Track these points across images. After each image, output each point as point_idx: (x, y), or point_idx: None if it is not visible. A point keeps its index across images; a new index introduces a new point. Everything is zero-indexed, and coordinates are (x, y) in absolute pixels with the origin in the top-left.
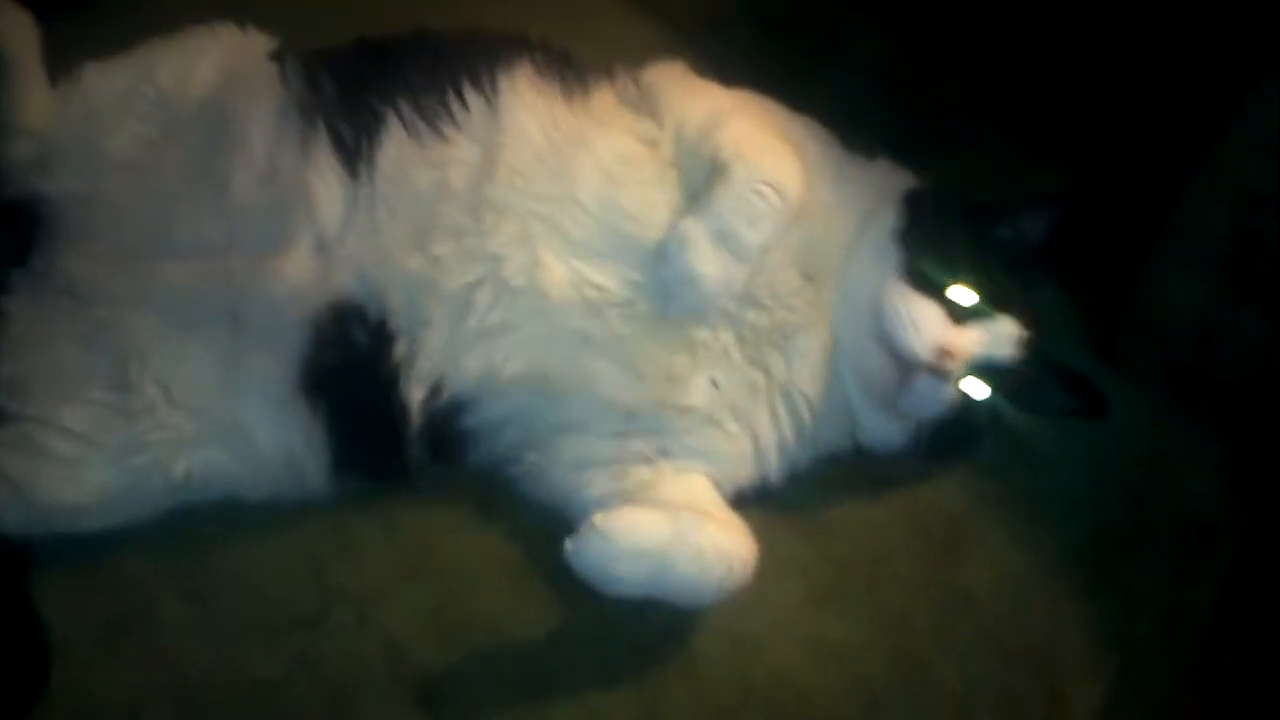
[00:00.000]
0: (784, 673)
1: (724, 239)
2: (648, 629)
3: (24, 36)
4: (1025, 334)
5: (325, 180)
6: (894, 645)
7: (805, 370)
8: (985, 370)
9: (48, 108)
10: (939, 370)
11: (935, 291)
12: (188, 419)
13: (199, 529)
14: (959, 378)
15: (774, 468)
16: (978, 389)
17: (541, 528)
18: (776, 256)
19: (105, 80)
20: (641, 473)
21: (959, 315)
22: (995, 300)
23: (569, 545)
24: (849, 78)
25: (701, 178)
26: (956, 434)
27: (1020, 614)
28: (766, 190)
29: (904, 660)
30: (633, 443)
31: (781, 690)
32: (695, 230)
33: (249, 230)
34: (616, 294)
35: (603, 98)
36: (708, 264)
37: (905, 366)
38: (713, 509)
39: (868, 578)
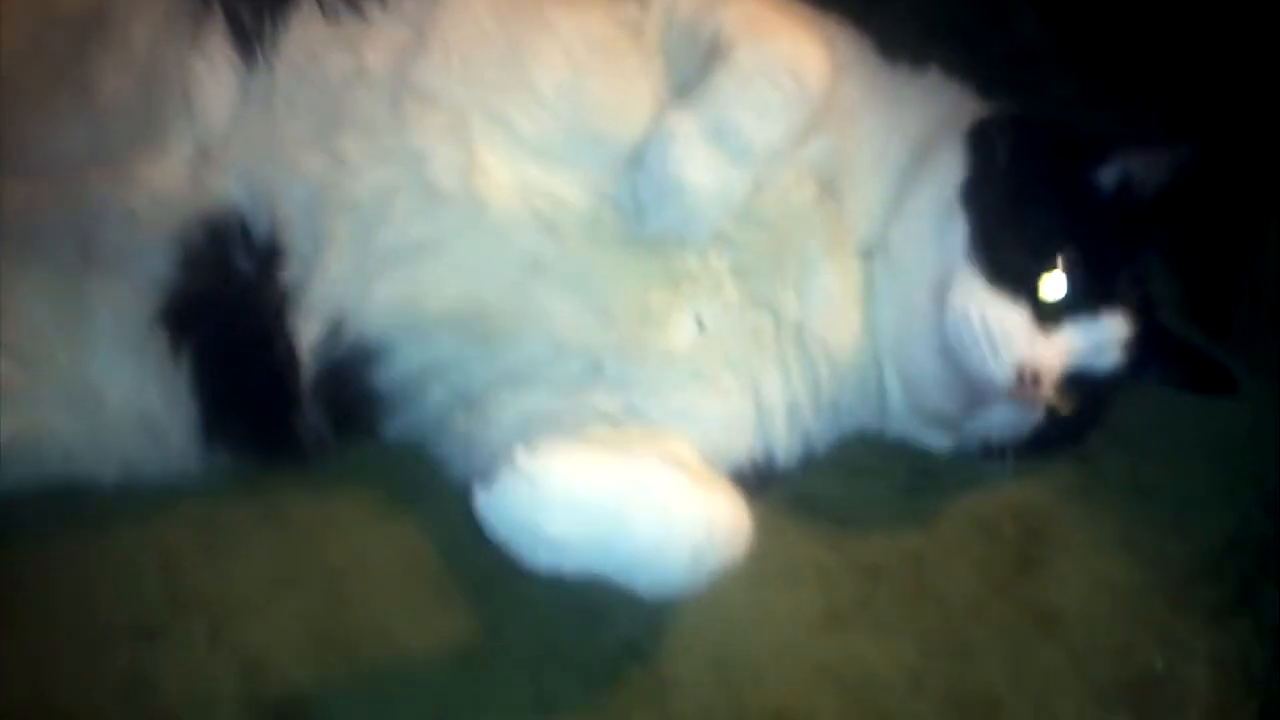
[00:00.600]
0: (792, 710)
1: (722, 136)
2: (600, 645)
3: None
4: (1132, 329)
5: (214, 71)
6: (947, 678)
7: (826, 314)
8: (1080, 381)
9: None
10: (1023, 399)
11: (1019, 285)
12: (15, 368)
13: (27, 518)
14: (1047, 401)
15: (782, 441)
16: (1067, 403)
17: (467, 519)
18: (790, 167)
19: None
20: (603, 436)
21: (1050, 316)
22: (1099, 288)
23: (480, 493)
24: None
25: (696, 68)
26: (1033, 446)
27: (1120, 641)
28: (780, 75)
29: (961, 699)
30: (593, 396)
31: None
32: (685, 124)
33: (114, 136)
34: (576, 206)
35: None
36: (699, 168)
37: (978, 392)
38: (690, 465)
39: (911, 591)
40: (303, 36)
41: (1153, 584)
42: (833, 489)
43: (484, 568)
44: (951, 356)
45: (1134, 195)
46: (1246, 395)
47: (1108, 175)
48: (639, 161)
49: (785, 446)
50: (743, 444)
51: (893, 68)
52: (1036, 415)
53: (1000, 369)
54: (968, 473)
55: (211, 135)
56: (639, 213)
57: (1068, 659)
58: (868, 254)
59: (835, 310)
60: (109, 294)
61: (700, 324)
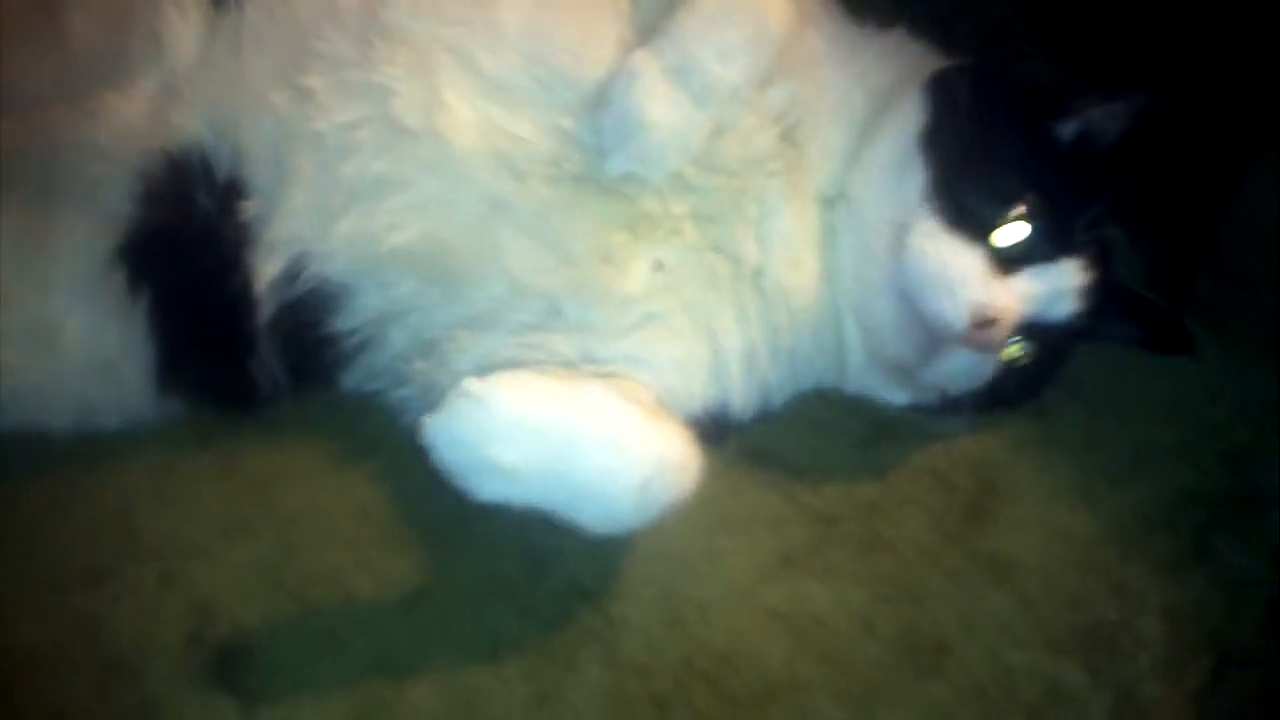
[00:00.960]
0: (742, 652)
1: (684, 75)
2: (548, 586)
3: None
4: (1089, 278)
5: (182, 9)
6: (899, 621)
7: (784, 259)
8: (1036, 329)
9: None
10: (979, 342)
11: (977, 230)
12: None
13: None
14: (1005, 345)
15: (738, 389)
16: (1022, 350)
17: (421, 470)
18: (751, 112)
19: None
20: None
21: (1007, 260)
22: (1056, 236)
23: (428, 420)
24: None
25: (660, 12)
26: (989, 397)
27: (1073, 591)
28: (742, 16)
29: (913, 642)
30: (551, 340)
31: (737, 676)
32: (648, 63)
33: (82, 76)
34: (538, 146)
35: None
36: (660, 105)
37: (934, 336)
38: (644, 403)
39: (864, 537)
40: None
41: (1106, 535)
42: (789, 442)
43: (434, 515)
44: (908, 300)
45: (1093, 145)
46: (1205, 355)
47: (1067, 126)
48: (602, 100)
49: (741, 395)
50: (699, 390)
51: (858, 25)
52: (993, 363)
53: (956, 311)
54: (925, 427)
55: (178, 72)
56: (601, 151)
57: (1019, 607)
58: (828, 202)
59: (794, 256)
60: (69, 229)
61: (658, 265)
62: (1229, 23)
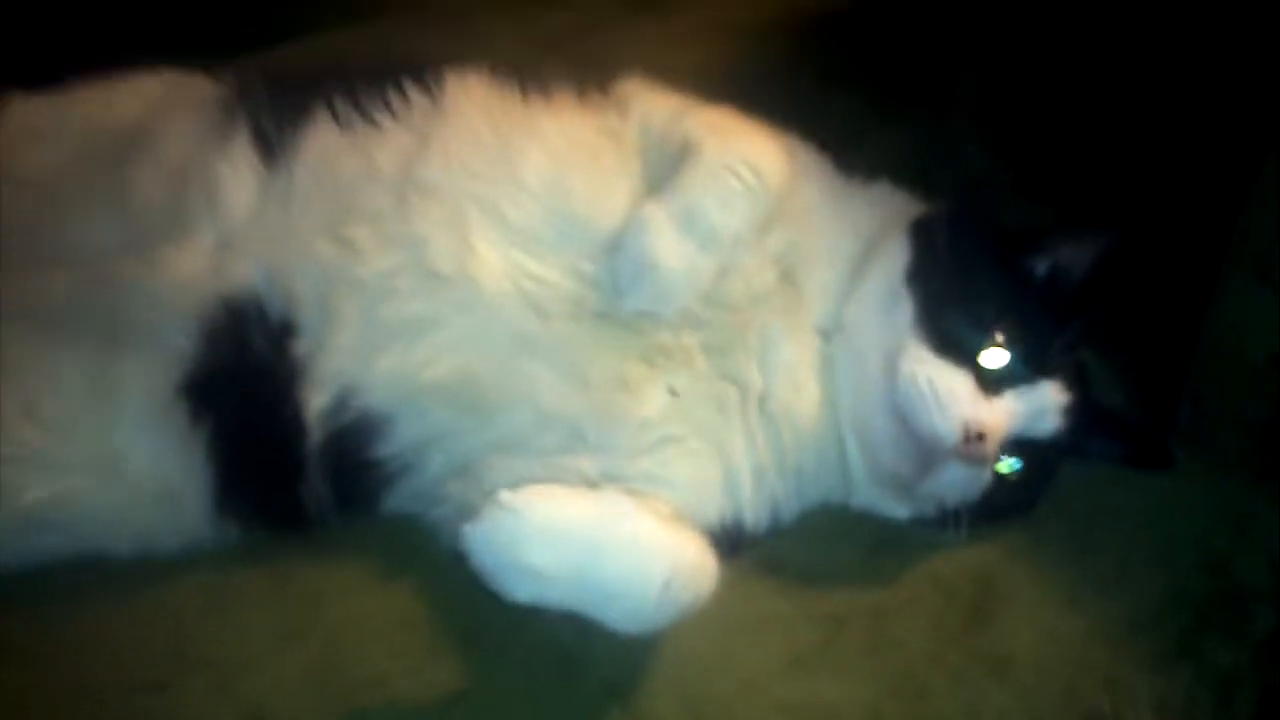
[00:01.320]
0: None
1: (690, 222)
2: (581, 687)
3: None
4: (1069, 399)
5: (237, 171)
6: (906, 714)
7: (786, 385)
8: (1023, 445)
9: None
10: (970, 455)
11: (963, 355)
12: (45, 436)
13: (50, 587)
14: (994, 459)
15: (750, 505)
16: (1010, 464)
17: (460, 582)
18: (752, 255)
19: (31, 113)
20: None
21: (991, 382)
22: (1035, 359)
23: (467, 529)
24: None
25: (668, 168)
26: (984, 511)
27: (1068, 684)
28: (742, 170)
29: None
30: (576, 461)
31: None
32: (658, 213)
33: (144, 231)
34: (560, 287)
35: (564, 99)
36: (670, 249)
37: (928, 451)
38: (662, 515)
39: (869, 637)
40: (319, 143)
41: (1096, 633)
42: (798, 552)
43: (472, 624)
44: (903, 419)
45: (1064, 280)
46: (1183, 470)
47: (1040, 263)
48: (617, 246)
49: (753, 510)
50: (713, 506)
51: (846, 177)
52: (985, 477)
53: (948, 427)
54: (926, 539)
55: (233, 227)
56: (616, 291)
57: (1017, 700)
58: (825, 335)
59: (795, 382)
60: (135, 370)
61: (672, 392)
62: (1192, 162)
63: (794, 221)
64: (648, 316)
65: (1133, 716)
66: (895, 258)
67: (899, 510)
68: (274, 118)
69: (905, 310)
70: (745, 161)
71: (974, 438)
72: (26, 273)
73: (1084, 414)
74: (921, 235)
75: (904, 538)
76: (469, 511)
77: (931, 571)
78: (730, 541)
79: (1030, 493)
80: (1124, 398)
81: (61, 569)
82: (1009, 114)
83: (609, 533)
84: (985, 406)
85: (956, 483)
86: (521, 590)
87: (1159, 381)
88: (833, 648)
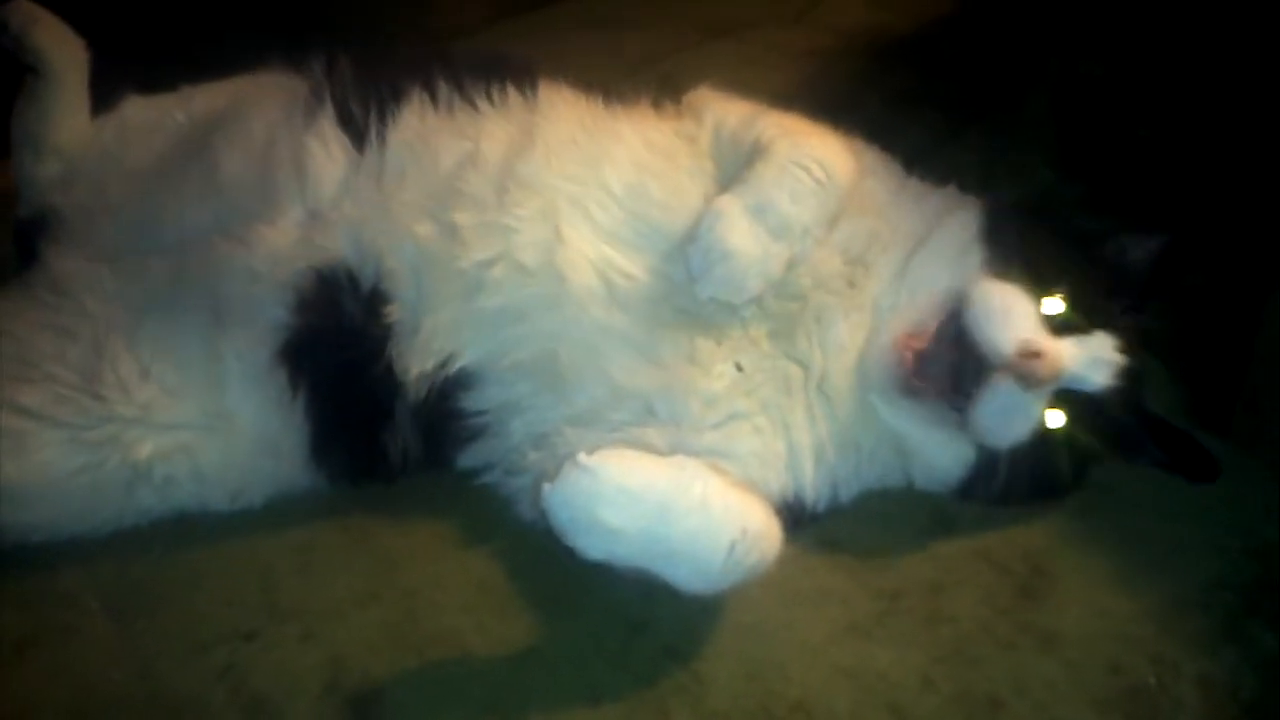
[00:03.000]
0: (813, 703)
1: (763, 214)
2: (644, 648)
3: (74, 60)
4: (1124, 360)
5: (326, 148)
6: (956, 680)
7: (842, 365)
8: (1073, 399)
9: (84, 133)
10: (1023, 373)
11: (1030, 296)
12: (162, 396)
13: (150, 546)
14: (1044, 397)
15: (810, 481)
16: (1057, 419)
17: (534, 546)
18: (822, 248)
19: (143, 111)
20: None
21: (1052, 325)
22: (1091, 311)
23: (547, 487)
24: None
25: (740, 169)
26: (1033, 474)
27: (1115, 658)
28: (812, 166)
29: (968, 697)
30: (646, 434)
31: None
32: (731, 205)
33: (235, 207)
34: (640, 281)
35: (641, 108)
36: (743, 238)
37: (981, 360)
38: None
39: (923, 609)
40: (415, 123)
41: (1144, 612)
42: (856, 531)
43: (543, 588)
44: (967, 324)
45: (1127, 267)
46: (1238, 469)
47: (1105, 249)
48: (692, 237)
49: (813, 487)
50: (776, 482)
51: (914, 178)
52: (1033, 415)
53: (1007, 337)
54: (983, 519)
55: (321, 201)
56: (691, 279)
57: (1065, 671)
58: (879, 312)
59: (849, 359)
60: (237, 340)
61: (739, 368)
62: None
63: (860, 213)
64: (721, 303)
65: (1177, 692)
66: (967, 224)
67: (952, 467)
68: (362, 97)
69: (975, 260)
70: (815, 158)
71: (1030, 354)
72: (134, 259)
73: (1136, 395)
74: (993, 210)
75: (958, 518)
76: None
77: (985, 551)
78: (792, 516)
79: (1068, 471)
80: (1181, 400)
81: (161, 526)
82: (1077, 130)
83: (680, 494)
84: (1045, 335)
85: (1007, 413)
86: (594, 547)
87: (1215, 384)
88: (888, 619)
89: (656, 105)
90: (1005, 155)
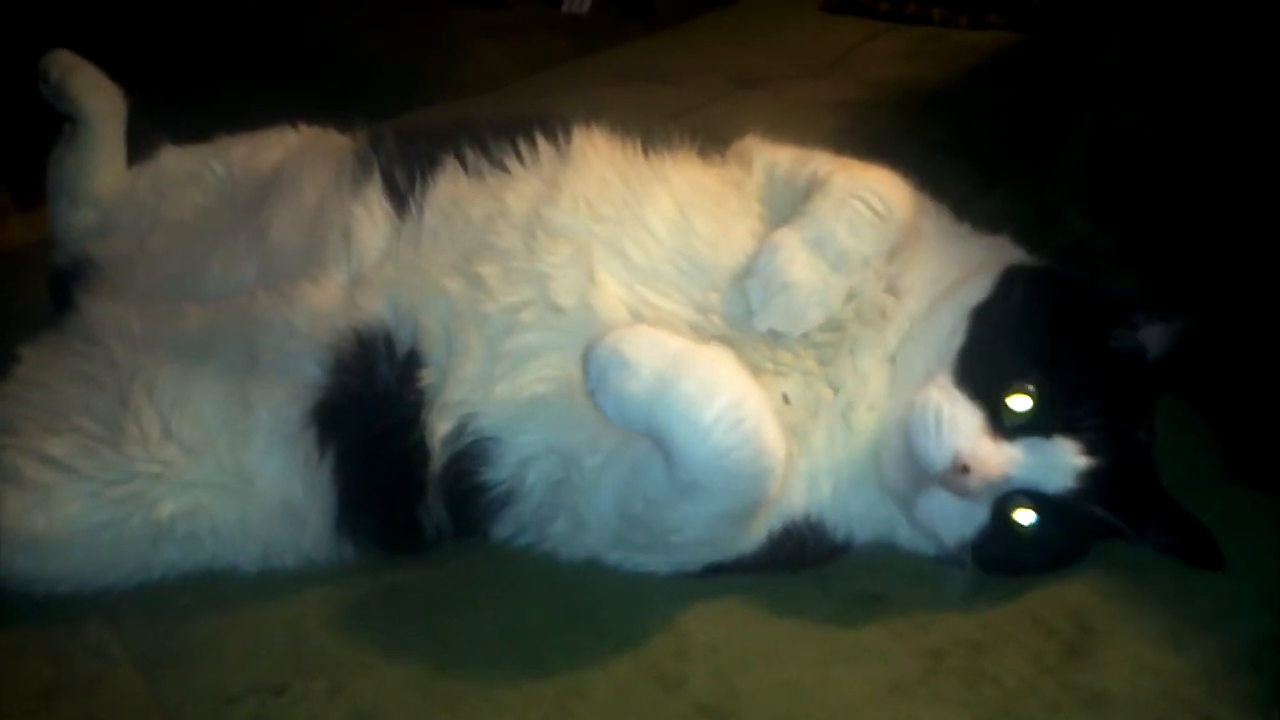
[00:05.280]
0: None
1: (820, 246)
2: (677, 707)
3: (112, 109)
4: (1091, 464)
5: (371, 215)
6: None
7: (863, 394)
8: (1035, 498)
9: (120, 182)
10: (954, 487)
11: (985, 395)
12: (182, 455)
13: (177, 598)
14: (982, 498)
15: (829, 505)
16: (1027, 517)
17: (567, 598)
18: (874, 281)
19: (179, 161)
20: None
21: (1007, 428)
22: (1060, 418)
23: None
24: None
25: (793, 209)
26: (989, 558)
27: (1165, 718)
28: (871, 199)
29: None
30: None
31: None
32: (790, 237)
33: (280, 266)
34: (678, 315)
35: (686, 155)
36: (802, 270)
37: (919, 470)
38: None
39: (967, 669)
40: (449, 189)
41: (1194, 672)
42: (897, 587)
43: (576, 641)
44: (905, 436)
45: (1142, 357)
46: None
47: (1121, 334)
48: (750, 271)
49: (832, 513)
50: (798, 500)
51: (968, 225)
52: (978, 515)
53: (938, 454)
54: (1022, 580)
55: (365, 265)
56: (749, 311)
57: None
58: (894, 361)
59: (867, 393)
60: (268, 395)
61: (786, 400)
62: None
63: (910, 248)
64: (778, 335)
65: None
66: (974, 293)
67: (922, 543)
68: (405, 166)
69: (958, 342)
70: (874, 191)
71: (959, 469)
72: (164, 306)
73: (1120, 486)
74: (1007, 280)
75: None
76: (581, 523)
77: (1029, 609)
78: (816, 540)
79: (1049, 551)
80: (1224, 456)
81: (189, 580)
82: (1111, 183)
83: (696, 356)
84: (985, 445)
85: (947, 513)
86: (613, 390)
87: (1260, 440)
88: (931, 678)
89: (702, 153)
90: (1039, 206)
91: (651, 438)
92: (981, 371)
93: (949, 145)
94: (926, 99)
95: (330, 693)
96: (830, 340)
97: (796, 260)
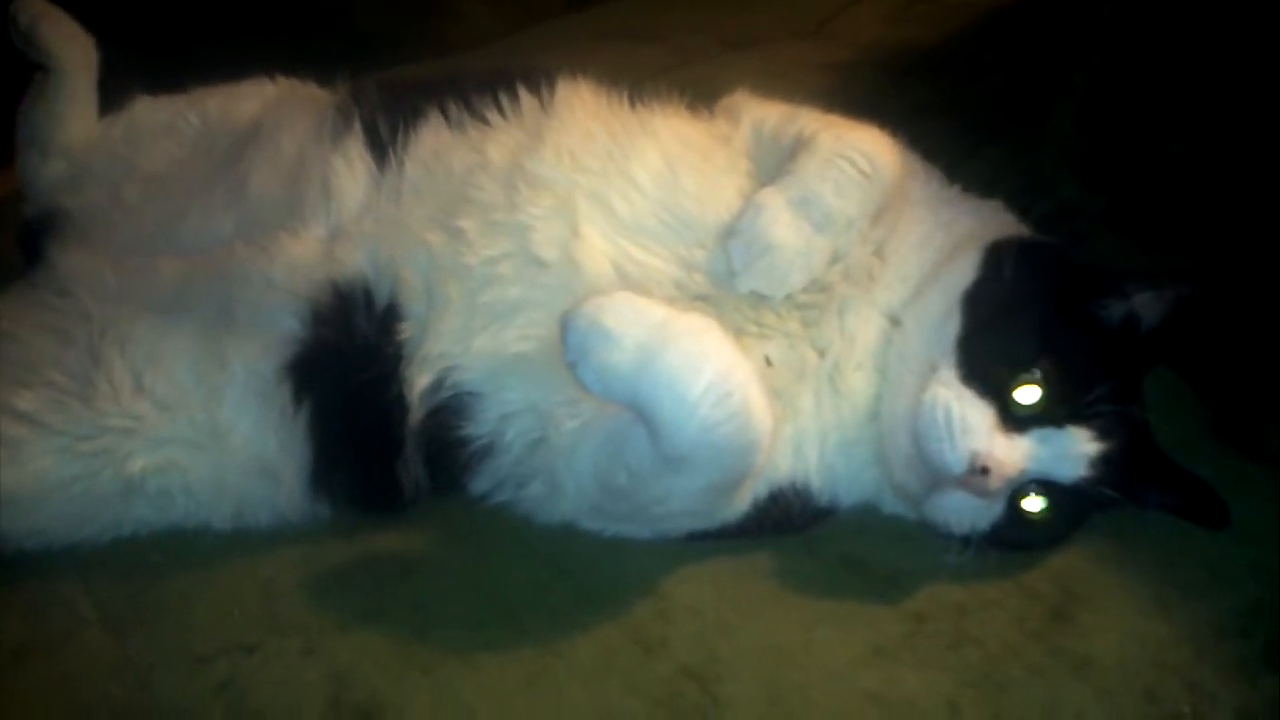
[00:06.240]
0: None
1: (806, 206)
2: (659, 668)
3: (84, 58)
4: (1103, 449)
5: (351, 167)
6: (985, 706)
7: (848, 358)
8: (1046, 486)
9: (92, 132)
10: (973, 488)
11: (992, 387)
12: (154, 410)
13: (149, 556)
14: (1000, 495)
15: (815, 468)
16: (1035, 504)
17: (546, 562)
18: (862, 243)
19: (153, 112)
20: None
21: (1017, 420)
22: (1069, 404)
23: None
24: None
25: (780, 166)
26: (999, 542)
27: (1150, 685)
28: (858, 158)
29: None
30: None
31: None
32: (774, 198)
33: (258, 218)
34: (663, 272)
35: (674, 108)
36: (786, 231)
37: (935, 475)
38: None
39: (951, 632)
40: (431, 141)
41: (1180, 638)
42: (881, 550)
43: (555, 604)
44: (916, 440)
45: (1136, 327)
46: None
47: (1113, 306)
48: (732, 231)
49: (818, 477)
50: (784, 464)
51: (959, 189)
52: (994, 510)
53: (955, 457)
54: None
55: (345, 217)
56: (731, 272)
57: (1098, 699)
58: (892, 321)
59: (855, 357)
60: (242, 349)
61: (768, 362)
62: None
63: (896, 209)
64: (760, 296)
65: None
66: (962, 274)
67: (908, 511)
68: (386, 118)
69: (953, 330)
70: (861, 151)
71: (978, 471)
72: (138, 258)
73: (1127, 464)
74: (993, 258)
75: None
76: (557, 488)
77: (1014, 574)
78: (801, 504)
79: (1054, 531)
80: (1212, 422)
81: (160, 538)
82: (1102, 145)
83: (682, 320)
84: (1000, 442)
85: (962, 510)
86: (595, 360)
87: (1248, 406)
88: (914, 641)
89: (690, 107)
90: (1028, 168)
91: (635, 410)
92: (984, 363)
93: (938, 107)
94: (915, 60)
95: (303, 652)
96: (815, 302)
97: (780, 221)
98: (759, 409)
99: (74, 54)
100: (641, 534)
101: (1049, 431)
